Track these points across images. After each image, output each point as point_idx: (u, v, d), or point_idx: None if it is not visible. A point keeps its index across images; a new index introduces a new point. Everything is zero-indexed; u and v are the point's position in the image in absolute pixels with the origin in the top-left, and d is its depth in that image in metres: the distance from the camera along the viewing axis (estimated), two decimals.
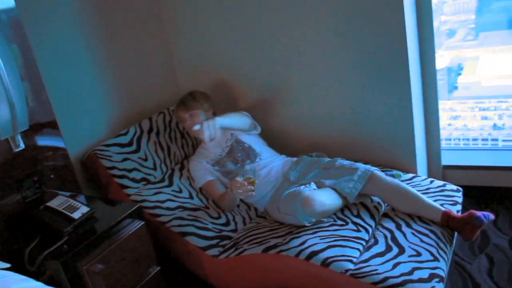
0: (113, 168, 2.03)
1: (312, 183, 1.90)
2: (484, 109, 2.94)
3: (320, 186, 1.90)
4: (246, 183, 1.82)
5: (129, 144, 2.16)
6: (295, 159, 2.22)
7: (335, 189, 1.87)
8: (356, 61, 2.19)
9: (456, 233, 1.77)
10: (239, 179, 1.84)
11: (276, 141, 2.43)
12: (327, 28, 2.20)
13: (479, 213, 1.65)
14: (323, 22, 2.20)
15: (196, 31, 2.52)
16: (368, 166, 1.91)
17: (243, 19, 2.37)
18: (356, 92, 2.25)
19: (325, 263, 1.56)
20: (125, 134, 2.17)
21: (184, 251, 1.92)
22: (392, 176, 1.99)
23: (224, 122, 2.05)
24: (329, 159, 2.10)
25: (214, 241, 1.91)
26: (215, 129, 1.95)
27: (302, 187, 1.84)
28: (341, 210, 1.89)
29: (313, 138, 2.46)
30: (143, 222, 1.68)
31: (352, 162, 1.98)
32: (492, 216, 1.64)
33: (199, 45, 2.56)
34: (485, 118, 2.90)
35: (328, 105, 2.36)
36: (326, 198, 1.80)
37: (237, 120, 2.17)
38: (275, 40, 2.34)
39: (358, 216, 1.84)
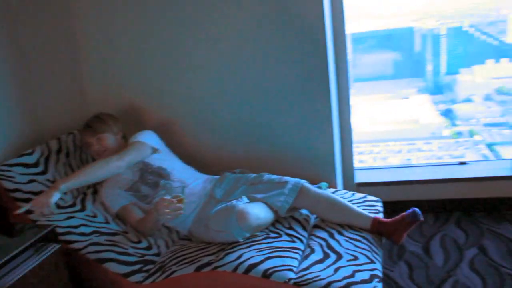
0: (16, 190, 1.77)
1: (243, 197, 1.84)
2: (360, 153, 3.22)
3: (251, 200, 1.85)
4: (174, 201, 1.70)
5: (36, 164, 1.91)
6: (217, 177, 2.15)
7: (266, 203, 1.84)
8: (276, 83, 2.26)
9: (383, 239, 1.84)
10: (166, 197, 1.71)
11: (194, 161, 2.34)
12: (248, 50, 2.25)
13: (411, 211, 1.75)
14: (241, 40, 2.25)
15: (106, 52, 2.42)
16: (297, 179, 1.92)
17: (154, 41, 2.35)
18: (275, 108, 2.31)
19: (266, 274, 1.50)
20: (31, 153, 1.92)
21: (104, 280, 1.71)
22: (319, 187, 2.02)
23: (73, 185, 1.77)
24: (255, 174, 2.06)
25: (137, 266, 1.73)
26: (49, 205, 1.64)
27: (234, 201, 1.77)
28: (273, 224, 1.85)
29: (232, 156, 2.44)
30: (59, 246, 1.47)
31: (281, 176, 1.97)
32: (421, 216, 1.75)
33: (109, 66, 2.45)
34: (362, 161, 3.18)
35: (246, 123, 2.38)
36: (259, 211, 1.76)
37: (97, 173, 1.86)
38: (185, 60, 2.35)
39: (291, 228, 1.82)
